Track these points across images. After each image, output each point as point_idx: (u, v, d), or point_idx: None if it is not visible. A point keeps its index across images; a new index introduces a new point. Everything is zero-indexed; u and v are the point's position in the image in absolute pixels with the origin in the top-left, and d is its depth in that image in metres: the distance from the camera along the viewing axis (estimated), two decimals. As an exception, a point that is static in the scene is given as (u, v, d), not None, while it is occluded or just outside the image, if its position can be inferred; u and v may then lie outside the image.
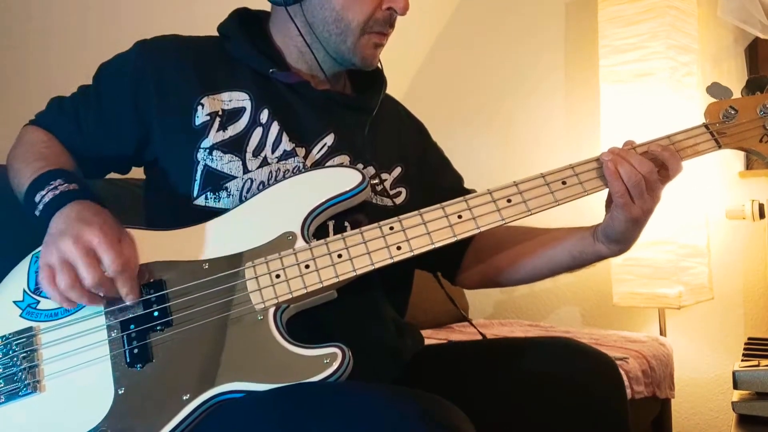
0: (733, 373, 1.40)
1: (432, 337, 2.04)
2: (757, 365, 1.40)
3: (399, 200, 1.10)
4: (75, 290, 0.85)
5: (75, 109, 1.06)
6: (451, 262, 1.18)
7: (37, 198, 0.92)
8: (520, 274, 1.14)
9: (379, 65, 1.16)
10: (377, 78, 1.17)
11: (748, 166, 2.31)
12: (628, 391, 1.75)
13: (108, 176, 1.22)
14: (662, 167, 0.98)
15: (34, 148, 1.03)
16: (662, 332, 2.29)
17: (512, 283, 1.16)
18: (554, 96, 2.68)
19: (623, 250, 1.03)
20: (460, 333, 2.20)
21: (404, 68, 2.83)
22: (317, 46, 1.06)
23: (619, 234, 1.00)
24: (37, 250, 0.93)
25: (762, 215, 2.14)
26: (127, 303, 0.88)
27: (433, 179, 1.17)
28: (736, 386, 1.39)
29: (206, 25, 1.14)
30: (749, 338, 1.80)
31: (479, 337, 1.21)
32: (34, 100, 1.13)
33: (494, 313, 2.75)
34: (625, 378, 1.73)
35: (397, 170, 1.12)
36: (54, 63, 1.74)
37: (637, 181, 0.95)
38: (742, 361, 1.47)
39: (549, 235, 1.10)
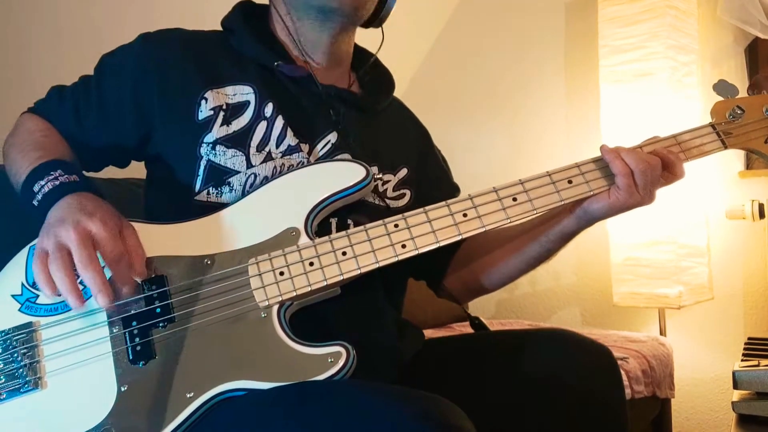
0: (733, 373, 1.39)
1: (432, 337, 2.03)
2: (757, 365, 1.40)
3: (402, 202, 1.09)
4: (63, 273, 0.82)
5: (75, 100, 1.05)
6: (436, 271, 1.17)
7: (36, 188, 0.91)
8: (497, 277, 1.13)
9: (386, 67, 1.15)
10: (386, 79, 1.16)
11: (748, 166, 2.31)
12: (628, 390, 1.75)
13: (108, 175, 1.21)
14: (665, 169, 0.99)
15: (32, 136, 1.01)
16: (662, 332, 2.29)
17: (493, 286, 1.15)
18: (554, 96, 2.67)
19: (586, 228, 1.03)
20: (460, 333, 2.19)
21: (405, 67, 2.82)
22: (288, 18, 1.06)
23: (600, 213, 0.99)
24: (34, 242, 0.91)
25: (762, 215, 2.14)
26: (123, 297, 0.86)
27: (430, 187, 1.16)
28: (736, 386, 1.39)
29: (209, 20, 1.13)
30: (749, 338, 1.80)
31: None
32: (35, 91, 1.11)
33: (495, 313, 2.75)
34: (625, 378, 1.73)
35: (403, 171, 1.11)
36: (55, 55, 1.73)
37: (643, 168, 0.95)
38: (742, 361, 1.47)
39: (517, 232, 1.09)
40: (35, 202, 0.90)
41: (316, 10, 1.04)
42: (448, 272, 1.17)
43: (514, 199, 0.96)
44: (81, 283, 0.88)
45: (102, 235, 0.84)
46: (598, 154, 1.00)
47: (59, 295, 0.85)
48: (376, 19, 1.13)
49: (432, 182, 1.18)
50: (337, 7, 1.03)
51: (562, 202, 0.97)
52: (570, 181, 0.98)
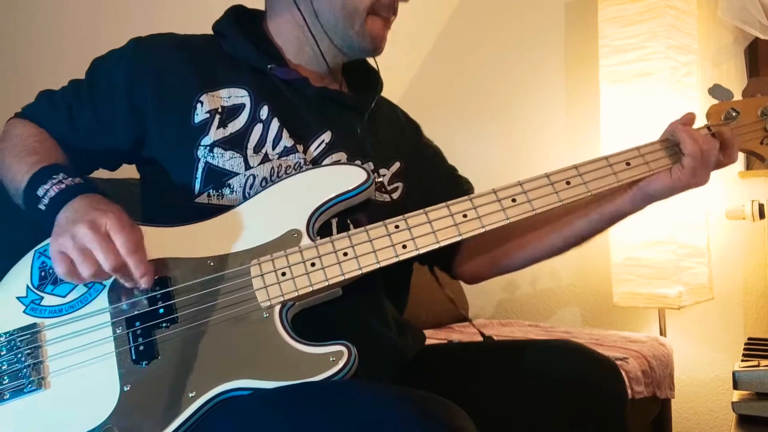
0: (733, 373, 1.40)
1: (432, 337, 2.04)
2: (757, 365, 1.40)
3: (396, 195, 1.10)
4: (98, 277, 0.85)
5: (67, 103, 1.05)
6: (449, 251, 1.15)
7: (41, 192, 0.90)
8: (530, 250, 1.12)
9: (375, 65, 1.16)
10: (373, 79, 1.17)
11: (748, 166, 2.31)
12: (628, 391, 1.75)
13: (107, 176, 1.21)
14: (722, 151, 1.01)
15: (26, 142, 1.01)
16: (662, 332, 2.29)
17: (523, 261, 1.14)
18: (554, 96, 2.68)
19: (641, 209, 1.04)
20: (460, 333, 2.20)
21: (405, 67, 2.82)
22: (322, 36, 1.06)
23: (659, 193, 1.01)
24: (39, 246, 0.92)
25: (762, 215, 2.14)
26: (142, 286, 0.86)
27: (427, 171, 1.17)
28: (736, 386, 1.39)
29: (201, 24, 1.14)
30: (749, 338, 1.80)
31: (479, 338, 1.21)
32: (23, 96, 1.11)
33: (495, 313, 2.75)
34: (625, 378, 1.73)
35: (396, 165, 1.12)
36: (44, 58, 1.73)
37: (708, 148, 0.98)
38: (742, 361, 1.47)
39: (562, 209, 1.07)
40: (42, 206, 0.90)
41: (348, 45, 1.07)
42: (468, 250, 1.16)
43: (513, 200, 0.97)
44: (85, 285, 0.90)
45: (117, 227, 0.84)
46: (597, 154, 1.01)
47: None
48: None
49: (429, 164, 1.19)
50: (367, 47, 1.07)
51: (561, 203, 0.98)
52: (568, 182, 0.99)
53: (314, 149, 1.04)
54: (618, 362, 1.73)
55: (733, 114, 1.04)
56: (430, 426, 0.71)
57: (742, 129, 1.04)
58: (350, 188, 0.95)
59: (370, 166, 1.07)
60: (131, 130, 1.03)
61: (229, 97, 1.02)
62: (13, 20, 1.70)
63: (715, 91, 1.06)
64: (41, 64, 1.73)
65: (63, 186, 0.90)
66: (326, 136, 1.05)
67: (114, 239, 0.84)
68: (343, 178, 0.96)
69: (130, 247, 0.84)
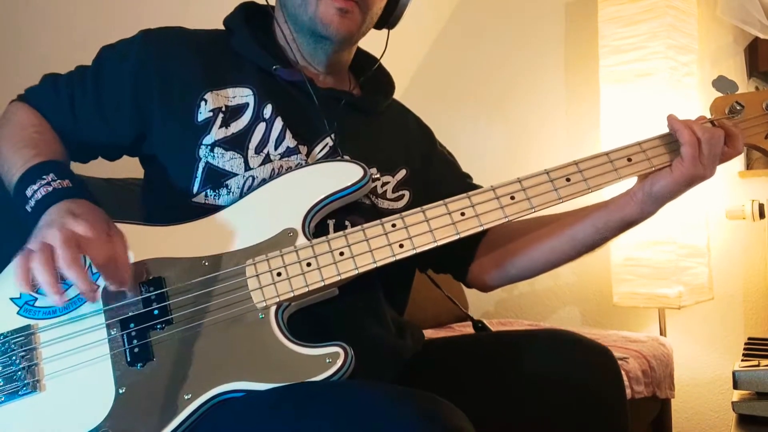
0: (733, 373, 1.39)
1: (432, 337, 2.03)
2: (757, 365, 1.40)
3: (402, 203, 1.09)
4: (42, 267, 0.78)
5: (71, 90, 1.04)
6: (463, 258, 1.16)
7: (29, 192, 0.90)
8: (540, 259, 1.11)
9: (386, 70, 1.15)
10: (386, 82, 1.16)
11: (749, 165, 2.31)
12: (628, 391, 1.75)
13: (108, 175, 1.21)
14: (726, 142, 0.99)
15: (25, 132, 1.00)
16: (662, 332, 2.29)
17: (531, 271, 1.13)
18: (554, 96, 2.67)
19: (652, 213, 1.02)
20: (460, 333, 2.19)
21: (404, 67, 2.82)
22: (296, 30, 1.05)
23: (666, 191, 0.98)
24: None
25: (762, 215, 2.14)
26: (116, 297, 0.85)
27: (438, 183, 1.16)
28: (736, 386, 1.39)
29: (210, 20, 1.13)
30: (749, 338, 1.79)
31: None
32: (29, 77, 1.10)
33: (494, 313, 2.74)
34: (625, 378, 1.72)
35: (402, 173, 1.11)
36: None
37: (709, 137, 0.96)
38: (742, 361, 1.47)
39: (568, 215, 1.08)
40: (29, 208, 0.89)
41: (309, 32, 1.05)
42: (477, 257, 1.15)
43: (512, 198, 0.96)
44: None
45: (88, 236, 0.82)
46: (597, 153, 0.99)
47: (36, 291, 0.82)
48: (387, 21, 1.13)
49: (441, 176, 1.17)
50: (328, 36, 1.03)
51: (561, 200, 0.97)
52: (568, 179, 0.98)
53: (318, 151, 1.03)
54: (618, 362, 1.72)
55: (738, 107, 1.02)
56: (428, 426, 0.70)
57: (746, 123, 1.02)
58: (346, 186, 0.94)
59: (374, 170, 1.06)
60: (133, 125, 1.02)
61: (234, 97, 1.02)
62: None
63: (720, 82, 1.04)
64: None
65: (50, 188, 0.89)
66: (331, 138, 1.04)
67: (86, 248, 0.81)
68: (338, 175, 0.95)
69: (101, 260, 0.82)
